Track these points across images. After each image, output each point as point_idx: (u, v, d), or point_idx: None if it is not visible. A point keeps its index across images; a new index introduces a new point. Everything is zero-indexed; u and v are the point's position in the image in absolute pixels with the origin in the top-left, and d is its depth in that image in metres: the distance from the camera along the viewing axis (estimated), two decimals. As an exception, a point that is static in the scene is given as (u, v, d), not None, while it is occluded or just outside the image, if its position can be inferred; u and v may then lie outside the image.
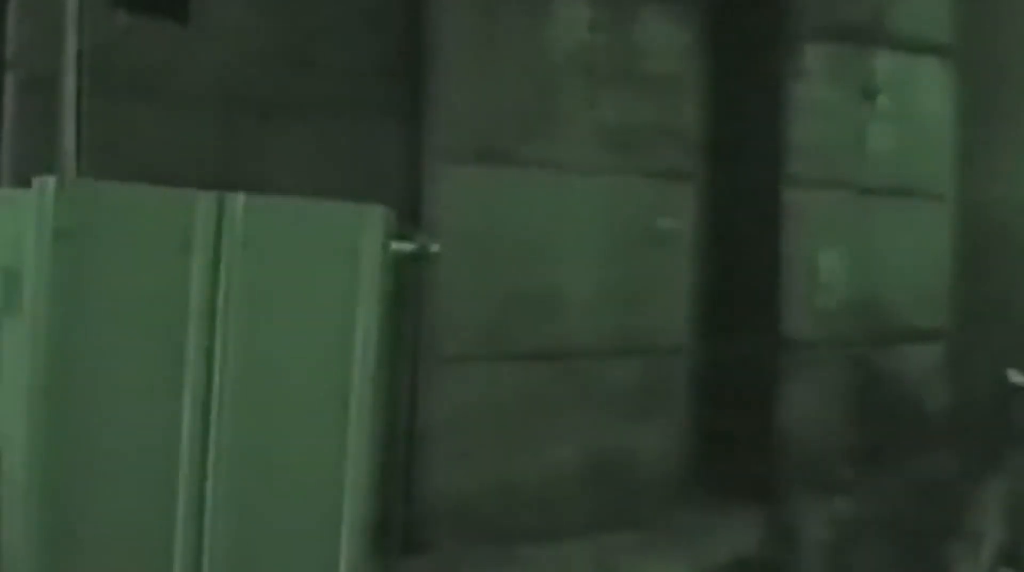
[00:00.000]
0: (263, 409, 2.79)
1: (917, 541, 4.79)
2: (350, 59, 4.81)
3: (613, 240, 5.28)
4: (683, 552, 4.98)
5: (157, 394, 2.71)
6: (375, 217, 2.88)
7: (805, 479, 5.51)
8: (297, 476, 2.84)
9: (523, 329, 5.04)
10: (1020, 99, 6.48)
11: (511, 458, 4.99)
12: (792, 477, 5.57)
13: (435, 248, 3.00)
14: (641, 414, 5.35)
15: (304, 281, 2.83)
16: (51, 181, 2.67)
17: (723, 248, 5.76)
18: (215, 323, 2.75)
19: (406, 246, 2.93)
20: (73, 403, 2.64)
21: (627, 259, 5.31)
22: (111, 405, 2.68)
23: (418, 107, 4.91)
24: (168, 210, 2.74)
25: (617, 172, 5.29)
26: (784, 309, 5.77)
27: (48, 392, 2.64)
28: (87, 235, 2.65)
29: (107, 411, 2.67)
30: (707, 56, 5.62)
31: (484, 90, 4.94)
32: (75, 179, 3.74)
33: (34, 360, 2.64)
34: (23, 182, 2.78)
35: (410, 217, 4.01)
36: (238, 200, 2.78)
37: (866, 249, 5.98)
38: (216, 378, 2.75)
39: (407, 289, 2.97)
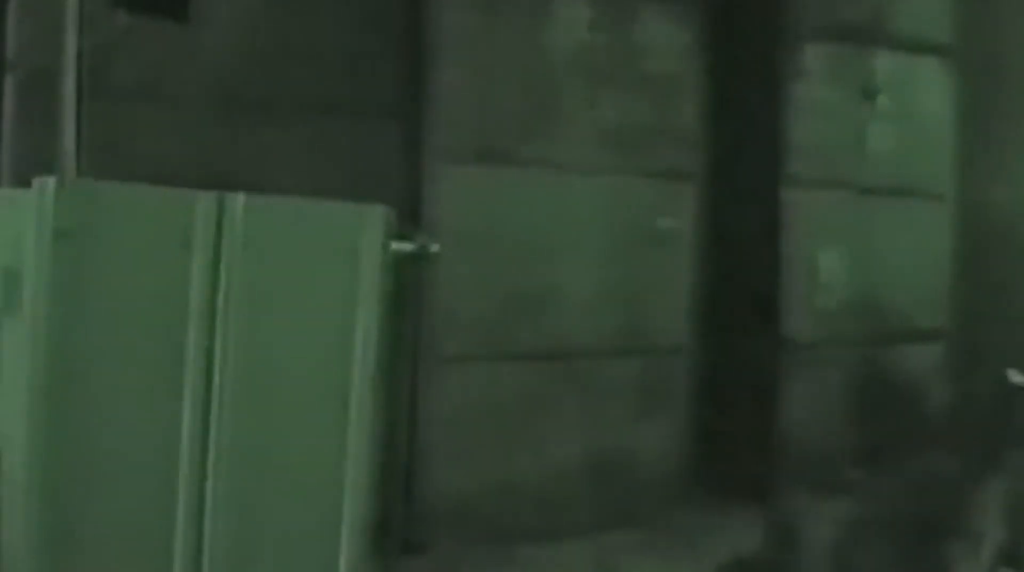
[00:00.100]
0: (263, 409, 2.78)
1: (917, 541, 4.78)
2: (350, 59, 4.81)
3: (613, 240, 5.28)
4: (683, 552, 4.98)
5: (157, 394, 2.71)
6: (375, 217, 2.87)
7: (805, 479, 5.50)
8: (297, 476, 2.84)
9: (523, 329, 5.04)
10: (1020, 99, 6.48)
11: (511, 458, 4.99)
12: (792, 477, 5.56)
13: (435, 248, 3.00)
14: (641, 414, 5.35)
15: (304, 281, 2.83)
16: (51, 181, 2.67)
17: (723, 248, 5.76)
18: (215, 323, 2.74)
19: (406, 246, 2.92)
20: (73, 403, 2.64)
21: (627, 259, 5.31)
22: (111, 405, 2.68)
23: (418, 107, 4.92)
24: (168, 210, 2.74)
25: (617, 172, 5.29)
26: (784, 309, 5.76)
27: (48, 392, 2.63)
28: (87, 235, 2.64)
29: (107, 411, 2.67)
30: (707, 56, 5.62)
31: (484, 90, 4.95)
32: (75, 179, 3.75)
33: (34, 360, 2.63)
34: (23, 182, 2.78)
35: (410, 217, 4.00)
36: (238, 200, 2.77)
37: (866, 249, 5.98)
38: (216, 378, 2.75)
39: (407, 289, 2.97)
